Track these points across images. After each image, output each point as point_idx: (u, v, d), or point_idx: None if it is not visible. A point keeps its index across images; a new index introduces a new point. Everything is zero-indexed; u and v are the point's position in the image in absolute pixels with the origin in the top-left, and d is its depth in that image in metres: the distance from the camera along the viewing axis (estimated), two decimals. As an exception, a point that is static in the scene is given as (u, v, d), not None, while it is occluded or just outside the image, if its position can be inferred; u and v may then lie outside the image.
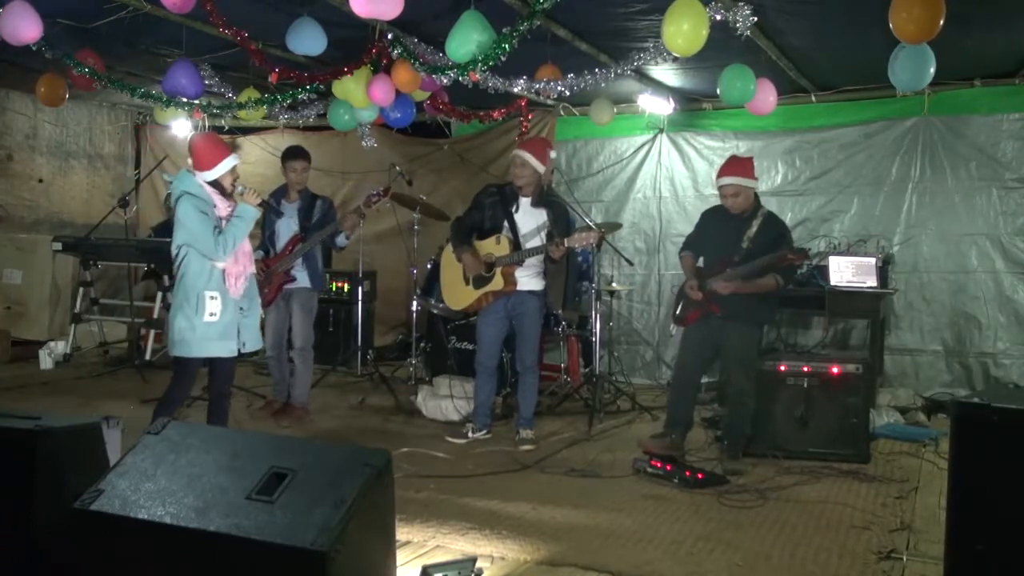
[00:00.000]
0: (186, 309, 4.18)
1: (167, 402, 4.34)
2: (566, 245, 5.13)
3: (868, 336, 6.58)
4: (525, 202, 5.34)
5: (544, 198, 5.37)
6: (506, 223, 5.30)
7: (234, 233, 4.20)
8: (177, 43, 5.91)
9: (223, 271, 4.24)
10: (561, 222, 5.32)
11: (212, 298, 4.20)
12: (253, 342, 4.42)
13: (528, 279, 5.32)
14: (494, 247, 5.30)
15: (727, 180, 4.94)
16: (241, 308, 4.32)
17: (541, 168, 5.29)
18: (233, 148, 9.52)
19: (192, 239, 4.16)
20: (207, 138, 4.46)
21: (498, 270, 5.26)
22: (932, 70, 4.69)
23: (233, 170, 4.30)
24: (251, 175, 9.29)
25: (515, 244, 5.27)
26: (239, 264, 4.27)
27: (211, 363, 4.36)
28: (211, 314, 4.19)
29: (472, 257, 5.30)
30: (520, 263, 5.25)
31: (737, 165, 5.02)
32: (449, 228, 5.70)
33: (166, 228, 8.33)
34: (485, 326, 5.44)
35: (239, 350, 4.34)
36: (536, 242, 5.28)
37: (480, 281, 5.34)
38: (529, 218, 5.32)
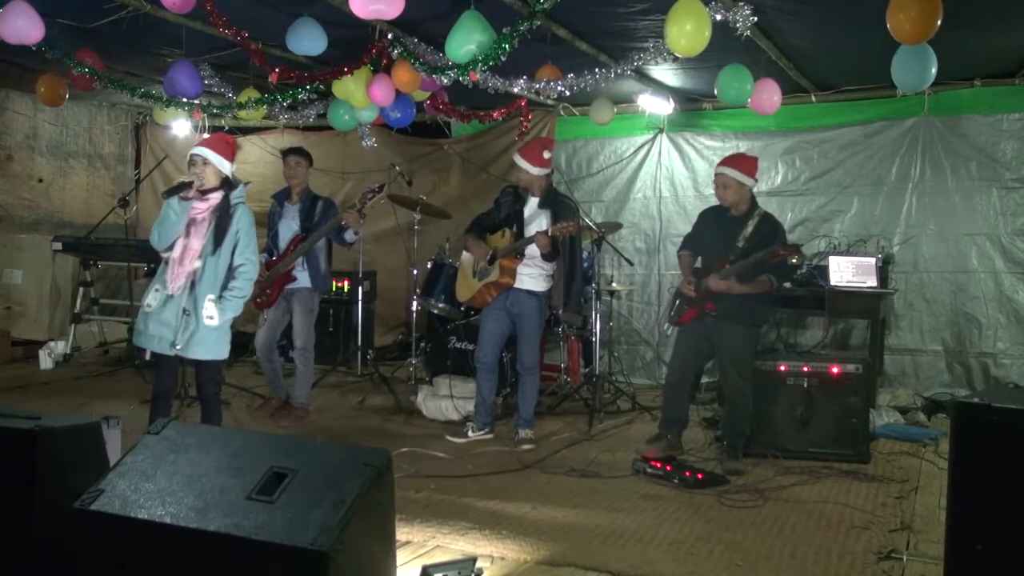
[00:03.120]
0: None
1: (152, 399, 4.41)
2: (549, 234, 5.16)
3: (868, 336, 6.57)
4: (533, 202, 5.41)
5: (551, 199, 5.43)
6: (515, 221, 5.39)
7: (159, 220, 4.23)
8: (177, 43, 5.91)
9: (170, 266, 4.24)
10: (561, 220, 5.33)
11: (156, 290, 4.22)
12: (190, 349, 4.20)
13: (529, 278, 5.34)
14: (499, 241, 5.39)
15: (721, 169, 4.98)
16: (185, 310, 4.17)
17: (533, 170, 5.32)
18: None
19: None
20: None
21: (497, 261, 5.33)
22: (934, 70, 4.70)
23: (192, 161, 4.27)
24: (251, 175, 9.29)
25: (518, 239, 5.33)
26: (176, 259, 4.20)
27: (194, 364, 4.36)
28: (147, 305, 4.21)
29: (477, 244, 5.41)
30: (516, 254, 5.30)
31: (738, 160, 5.05)
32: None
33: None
34: (485, 322, 5.50)
35: (174, 353, 4.21)
36: None
37: (482, 274, 5.42)
38: (535, 217, 5.39)
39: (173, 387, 4.54)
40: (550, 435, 5.61)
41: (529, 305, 5.36)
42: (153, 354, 4.35)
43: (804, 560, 3.52)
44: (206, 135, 9.19)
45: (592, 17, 5.24)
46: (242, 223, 4.30)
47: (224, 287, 4.25)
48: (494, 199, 5.65)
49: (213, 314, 4.20)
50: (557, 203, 5.43)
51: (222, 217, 4.24)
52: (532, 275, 5.35)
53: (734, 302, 4.85)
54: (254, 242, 4.38)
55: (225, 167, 4.30)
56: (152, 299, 4.21)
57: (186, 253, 4.19)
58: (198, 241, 4.20)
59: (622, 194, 7.91)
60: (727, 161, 5.05)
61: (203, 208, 4.23)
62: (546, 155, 5.38)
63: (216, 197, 4.25)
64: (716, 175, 5.03)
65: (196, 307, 4.19)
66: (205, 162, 4.23)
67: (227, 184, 4.31)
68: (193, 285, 4.19)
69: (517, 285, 5.33)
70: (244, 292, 4.31)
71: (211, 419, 4.45)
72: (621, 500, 4.29)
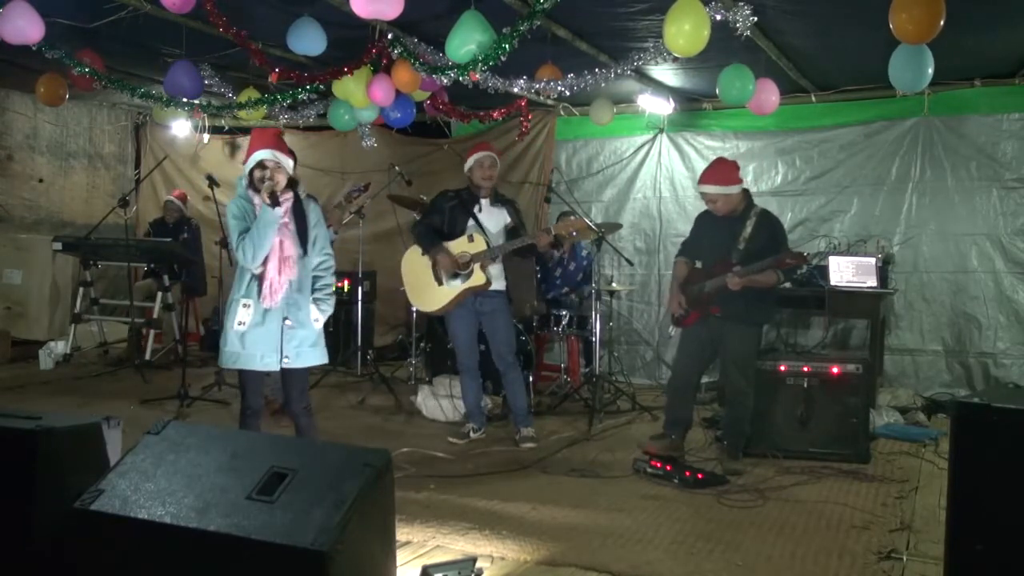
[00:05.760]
0: (224, 317, 4.02)
1: (245, 416, 4.11)
2: (552, 233, 5.18)
3: (868, 336, 6.58)
4: (485, 202, 5.41)
5: (501, 197, 5.50)
6: (471, 223, 5.34)
7: (252, 237, 3.88)
8: (177, 43, 5.91)
9: (260, 278, 3.94)
10: (521, 216, 5.49)
11: (245, 306, 3.93)
12: (302, 358, 4.04)
13: (496, 279, 5.38)
14: (468, 246, 5.30)
15: (703, 188, 4.97)
16: (286, 319, 3.97)
17: (498, 163, 5.47)
18: (233, 148, 9.61)
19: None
20: (255, 131, 4.15)
21: (476, 266, 5.28)
22: (931, 70, 4.70)
23: (263, 165, 3.94)
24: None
25: (488, 242, 5.31)
26: (274, 270, 3.93)
27: (239, 374, 4.09)
28: (239, 323, 3.93)
29: (448, 256, 5.31)
30: (496, 258, 5.30)
31: (716, 172, 4.97)
32: (412, 234, 5.72)
33: (163, 226, 8.34)
34: (460, 327, 5.45)
35: (281, 367, 3.99)
36: (500, 239, 5.34)
37: (459, 279, 5.34)
38: (492, 217, 5.40)
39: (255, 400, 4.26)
40: (550, 435, 5.61)
41: (498, 302, 5.39)
42: (244, 371, 4.03)
43: (804, 560, 3.52)
44: (206, 136, 9.21)
45: (592, 17, 5.24)
46: (316, 218, 4.15)
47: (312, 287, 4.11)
48: (432, 202, 5.58)
49: (318, 316, 4.09)
50: (508, 201, 5.54)
51: (300, 217, 4.05)
52: (497, 274, 5.38)
53: (738, 303, 4.85)
54: (328, 235, 4.25)
55: (290, 166, 4.06)
56: (243, 316, 3.93)
57: (284, 263, 3.95)
58: (291, 247, 3.98)
59: (622, 194, 7.91)
60: (706, 177, 4.97)
61: (284, 211, 3.99)
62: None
63: (289, 198, 4.02)
64: (700, 193, 5.01)
65: (299, 314, 4.02)
66: (278, 165, 3.97)
67: (292, 182, 4.08)
68: (289, 293, 3.99)
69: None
70: (333, 287, 4.20)
71: (311, 434, 4.19)
72: (621, 500, 4.29)
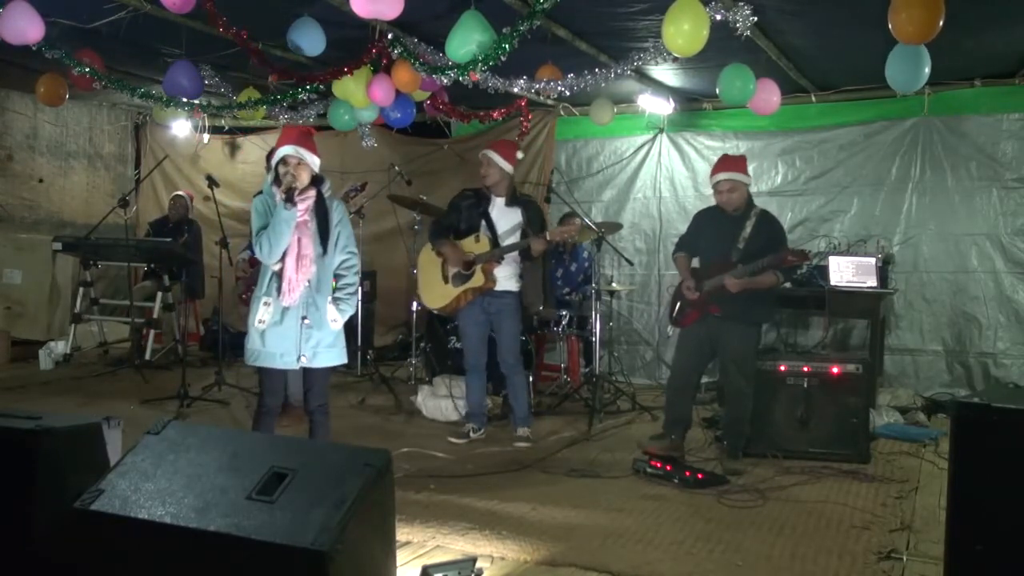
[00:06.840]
0: (248, 314, 4.04)
1: (260, 413, 4.15)
2: (548, 238, 5.17)
3: (868, 336, 6.58)
4: (499, 202, 5.38)
5: (518, 198, 5.45)
6: (483, 223, 5.34)
7: (268, 233, 3.89)
8: (177, 43, 5.91)
9: (280, 275, 3.94)
10: (536, 220, 5.39)
11: (265, 304, 3.95)
12: (319, 358, 4.02)
13: (505, 279, 5.35)
14: (473, 246, 5.33)
15: (722, 176, 4.93)
16: (304, 318, 3.94)
17: (508, 168, 5.35)
18: (233, 148, 9.61)
19: None
20: (284, 127, 4.09)
21: (478, 267, 5.29)
22: (927, 70, 4.71)
23: (286, 162, 3.93)
24: (251, 175, 9.34)
25: (493, 243, 5.31)
26: (292, 268, 3.92)
27: (259, 372, 4.10)
28: (260, 321, 3.94)
29: (453, 249, 5.32)
30: (499, 259, 5.28)
31: (730, 162, 5.02)
32: (428, 231, 5.73)
33: (163, 226, 8.34)
34: (469, 327, 5.46)
35: (300, 366, 3.99)
36: (513, 240, 5.32)
37: (460, 279, 5.36)
38: (504, 217, 5.36)
39: (282, 400, 4.28)
40: (550, 435, 5.61)
41: (507, 303, 5.37)
42: (263, 368, 4.04)
43: (804, 560, 3.52)
44: (206, 136, 9.21)
45: (592, 17, 5.25)
46: (340, 217, 4.13)
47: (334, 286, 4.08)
48: (451, 202, 5.56)
49: (336, 317, 4.05)
50: (525, 202, 5.47)
51: (321, 216, 4.03)
52: (508, 275, 5.36)
53: (737, 303, 4.85)
54: (353, 234, 4.22)
55: (316, 164, 4.05)
56: (264, 314, 3.94)
57: (301, 260, 3.93)
58: (309, 246, 3.96)
59: (622, 194, 7.91)
60: (725, 166, 4.98)
61: (303, 210, 3.97)
62: (519, 155, 5.48)
63: (311, 196, 4.00)
64: (720, 182, 4.92)
65: (317, 314, 3.99)
66: (300, 162, 3.95)
67: (317, 180, 4.06)
68: (308, 292, 3.97)
69: (496, 287, 5.33)
70: (356, 287, 4.16)
71: (322, 433, 4.22)
72: (621, 500, 4.29)
